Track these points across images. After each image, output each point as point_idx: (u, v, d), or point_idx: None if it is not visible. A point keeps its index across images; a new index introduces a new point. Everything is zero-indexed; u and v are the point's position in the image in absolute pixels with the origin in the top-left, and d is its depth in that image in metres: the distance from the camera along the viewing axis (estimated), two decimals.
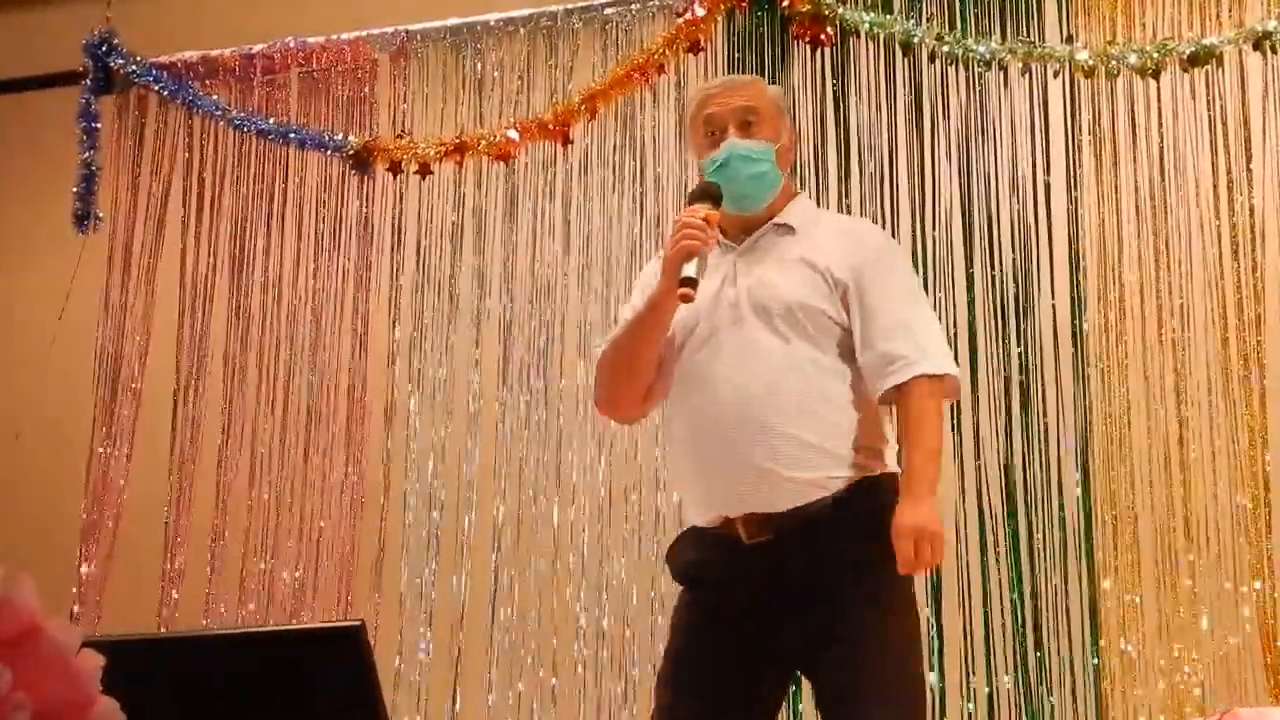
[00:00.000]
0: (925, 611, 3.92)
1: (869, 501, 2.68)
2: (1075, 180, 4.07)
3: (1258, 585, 3.73)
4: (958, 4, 4.18)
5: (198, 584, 4.63)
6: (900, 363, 2.70)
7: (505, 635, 4.34)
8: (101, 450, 4.78)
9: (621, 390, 2.90)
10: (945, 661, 3.89)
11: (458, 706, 4.35)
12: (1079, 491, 3.90)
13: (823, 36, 4.17)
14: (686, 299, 2.66)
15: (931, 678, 3.85)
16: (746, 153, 2.82)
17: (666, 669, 2.80)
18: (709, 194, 2.79)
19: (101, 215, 4.88)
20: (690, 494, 2.83)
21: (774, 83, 4.21)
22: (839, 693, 2.68)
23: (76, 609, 4.60)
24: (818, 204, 4.19)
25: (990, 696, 3.86)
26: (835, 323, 2.75)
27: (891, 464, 2.79)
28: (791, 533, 2.65)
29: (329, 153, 4.72)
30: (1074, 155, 4.07)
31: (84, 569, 4.68)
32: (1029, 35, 4.12)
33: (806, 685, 3.14)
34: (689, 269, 2.66)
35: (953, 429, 3.99)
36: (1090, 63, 4.00)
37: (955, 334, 4.04)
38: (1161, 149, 4.01)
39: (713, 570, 2.76)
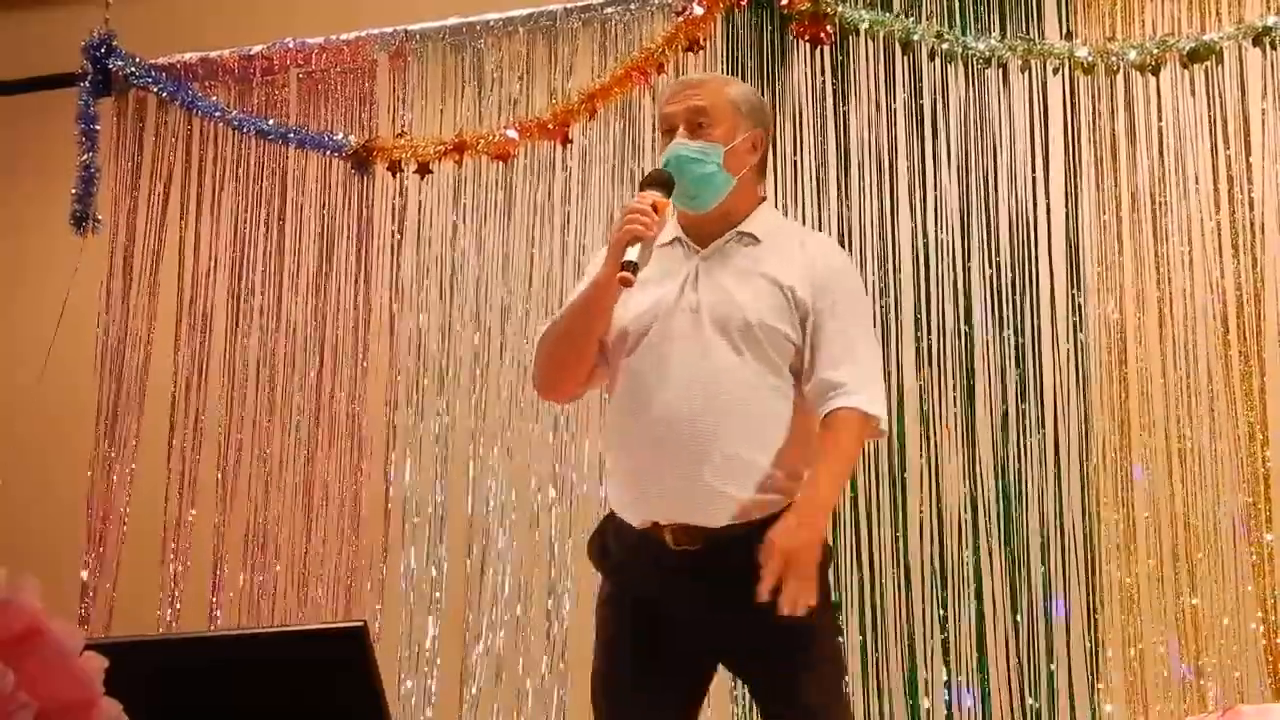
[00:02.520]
0: (929, 610, 3.93)
1: None
2: (1075, 177, 4.06)
3: (1255, 591, 3.73)
4: (957, 2, 4.17)
5: (200, 584, 4.63)
6: (840, 390, 2.71)
7: (507, 636, 4.34)
8: (102, 450, 4.78)
9: (561, 373, 2.88)
10: (950, 662, 3.90)
11: (463, 708, 4.35)
12: (1079, 489, 3.91)
13: (822, 35, 4.16)
14: (626, 283, 2.64)
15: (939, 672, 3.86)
16: (689, 153, 2.79)
17: (598, 684, 2.80)
18: (661, 181, 2.77)
19: (101, 217, 4.88)
20: (623, 492, 2.80)
21: (774, 81, 4.22)
22: (780, 703, 2.70)
23: (78, 610, 4.60)
24: (817, 203, 4.20)
25: (989, 694, 3.86)
26: (791, 343, 2.75)
27: None
28: (721, 546, 2.65)
29: (328, 153, 4.72)
30: (1073, 152, 4.07)
31: (85, 569, 4.68)
32: (1028, 32, 4.11)
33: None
34: (632, 253, 2.65)
35: (951, 426, 4.00)
36: (1090, 59, 4.00)
37: (954, 331, 4.05)
38: (1161, 145, 4.01)
39: (634, 568, 2.77)
